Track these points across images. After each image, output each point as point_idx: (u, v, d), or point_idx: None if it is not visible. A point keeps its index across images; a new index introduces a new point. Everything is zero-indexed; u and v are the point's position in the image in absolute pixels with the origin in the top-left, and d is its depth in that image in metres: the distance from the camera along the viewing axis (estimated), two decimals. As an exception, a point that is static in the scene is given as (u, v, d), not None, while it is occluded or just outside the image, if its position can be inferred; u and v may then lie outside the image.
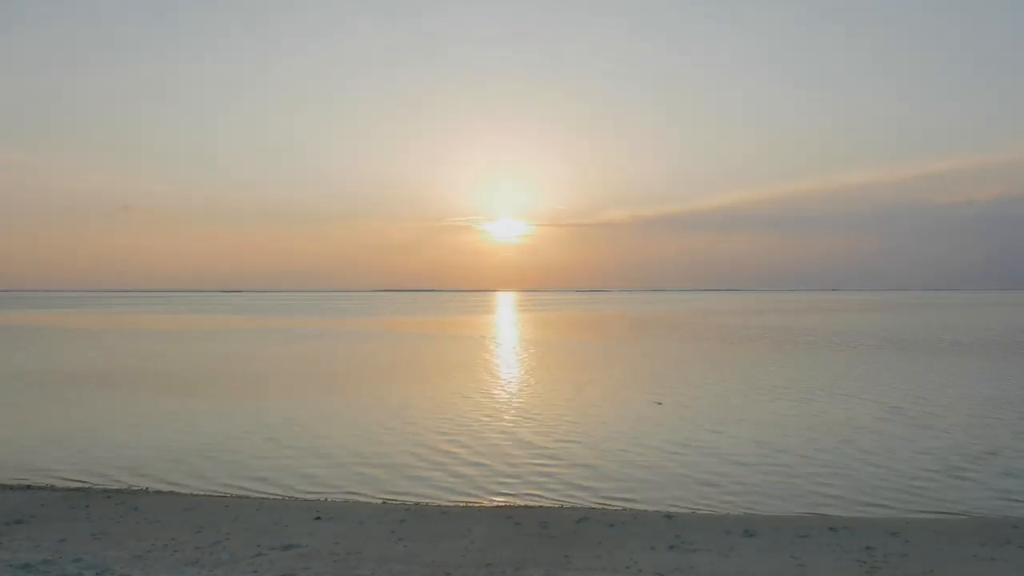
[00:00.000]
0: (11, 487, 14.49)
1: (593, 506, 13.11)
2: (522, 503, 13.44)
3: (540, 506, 13.17)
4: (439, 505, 13.19)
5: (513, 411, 23.38)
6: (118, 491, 14.23)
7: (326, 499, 13.67)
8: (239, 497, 13.79)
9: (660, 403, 23.23)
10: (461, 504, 13.34)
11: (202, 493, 14.19)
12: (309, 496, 13.93)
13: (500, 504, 13.40)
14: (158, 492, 14.22)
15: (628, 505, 13.20)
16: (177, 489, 14.50)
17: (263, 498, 13.70)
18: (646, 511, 12.67)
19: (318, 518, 11.94)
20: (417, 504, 13.25)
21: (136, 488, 14.55)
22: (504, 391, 28.11)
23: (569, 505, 13.21)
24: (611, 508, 12.94)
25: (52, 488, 14.49)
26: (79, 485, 14.78)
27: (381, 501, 13.53)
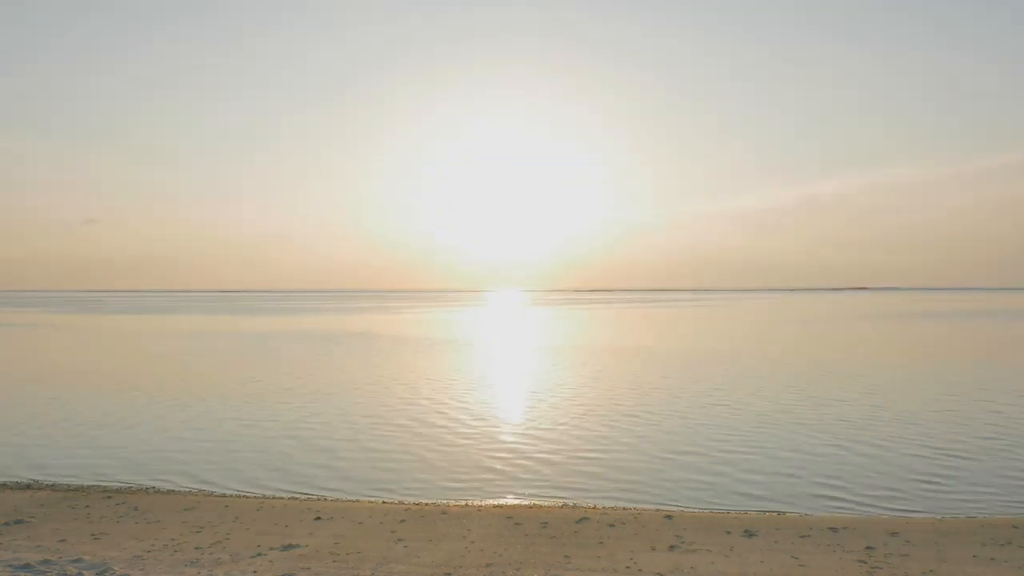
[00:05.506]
0: (11, 487, 14.50)
1: (593, 506, 13.11)
2: (522, 503, 13.44)
3: (540, 506, 13.16)
4: (439, 505, 13.19)
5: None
6: (118, 491, 14.22)
7: (326, 499, 13.67)
8: (239, 497, 13.79)
9: None
10: (461, 504, 13.33)
11: (202, 493, 14.19)
12: (309, 496, 13.94)
13: (500, 504, 13.39)
14: (158, 492, 14.22)
15: (628, 505, 13.20)
16: (177, 489, 14.51)
17: (263, 498, 13.70)
18: (646, 511, 12.67)
19: (318, 518, 11.93)
20: (417, 504, 13.24)
21: (136, 488, 14.55)
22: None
23: (569, 505, 13.21)
24: (611, 508, 12.94)
25: (52, 488, 14.49)
26: (79, 485, 14.78)
27: (381, 501, 13.53)
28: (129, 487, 14.65)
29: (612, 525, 11.53)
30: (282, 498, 13.73)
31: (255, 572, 9.19)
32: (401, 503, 13.34)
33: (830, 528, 11.37)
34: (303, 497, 13.84)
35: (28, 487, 14.55)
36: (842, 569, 9.43)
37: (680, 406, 24.01)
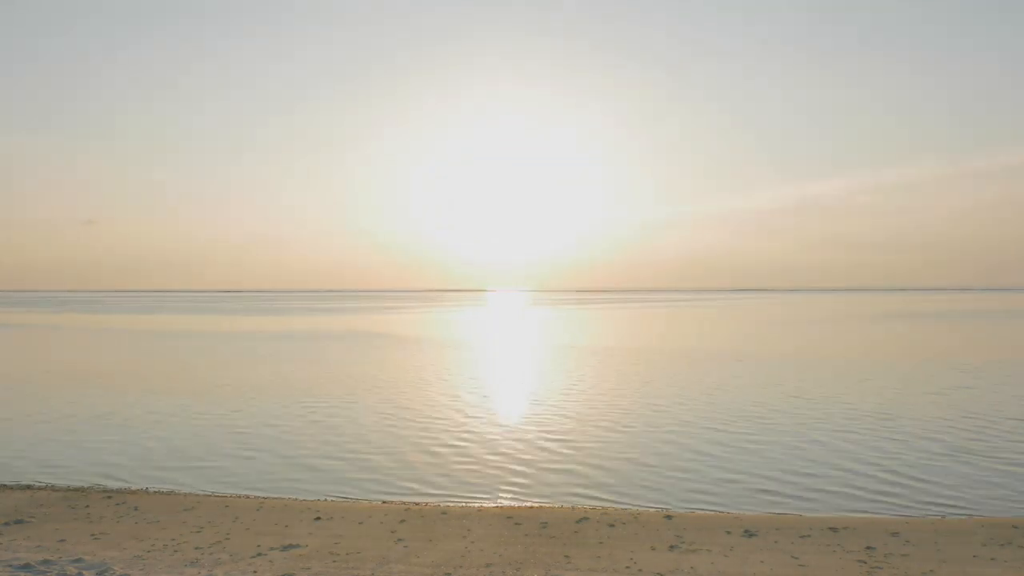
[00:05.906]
0: (11, 487, 14.50)
1: (593, 506, 13.11)
2: (522, 503, 13.44)
3: (540, 506, 13.16)
4: (439, 505, 13.19)
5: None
6: (118, 491, 14.22)
7: (326, 499, 13.67)
8: (239, 497, 13.79)
9: None
10: (461, 504, 13.33)
11: (202, 493, 14.19)
12: (309, 496, 13.94)
13: (500, 504, 13.39)
14: (158, 492, 14.22)
15: (628, 505, 13.20)
16: (177, 489, 14.51)
17: (263, 498, 13.70)
18: (646, 511, 12.67)
19: (318, 518, 11.93)
20: (417, 504, 13.24)
21: (136, 488, 14.55)
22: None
23: (569, 505, 13.21)
24: (611, 508, 12.94)
25: (52, 488, 14.49)
26: (79, 485, 14.78)
27: (381, 501, 13.53)
28: (129, 487, 14.65)
29: (612, 525, 11.53)
30: (282, 498, 13.73)
31: (255, 572, 9.19)
32: (401, 503, 13.34)
33: (830, 528, 11.37)
34: (303, 497, 13.84)
35: (28, 487, 14.55)
36: (842, 569, 9.43)
37: (681, 406, 24.01)
